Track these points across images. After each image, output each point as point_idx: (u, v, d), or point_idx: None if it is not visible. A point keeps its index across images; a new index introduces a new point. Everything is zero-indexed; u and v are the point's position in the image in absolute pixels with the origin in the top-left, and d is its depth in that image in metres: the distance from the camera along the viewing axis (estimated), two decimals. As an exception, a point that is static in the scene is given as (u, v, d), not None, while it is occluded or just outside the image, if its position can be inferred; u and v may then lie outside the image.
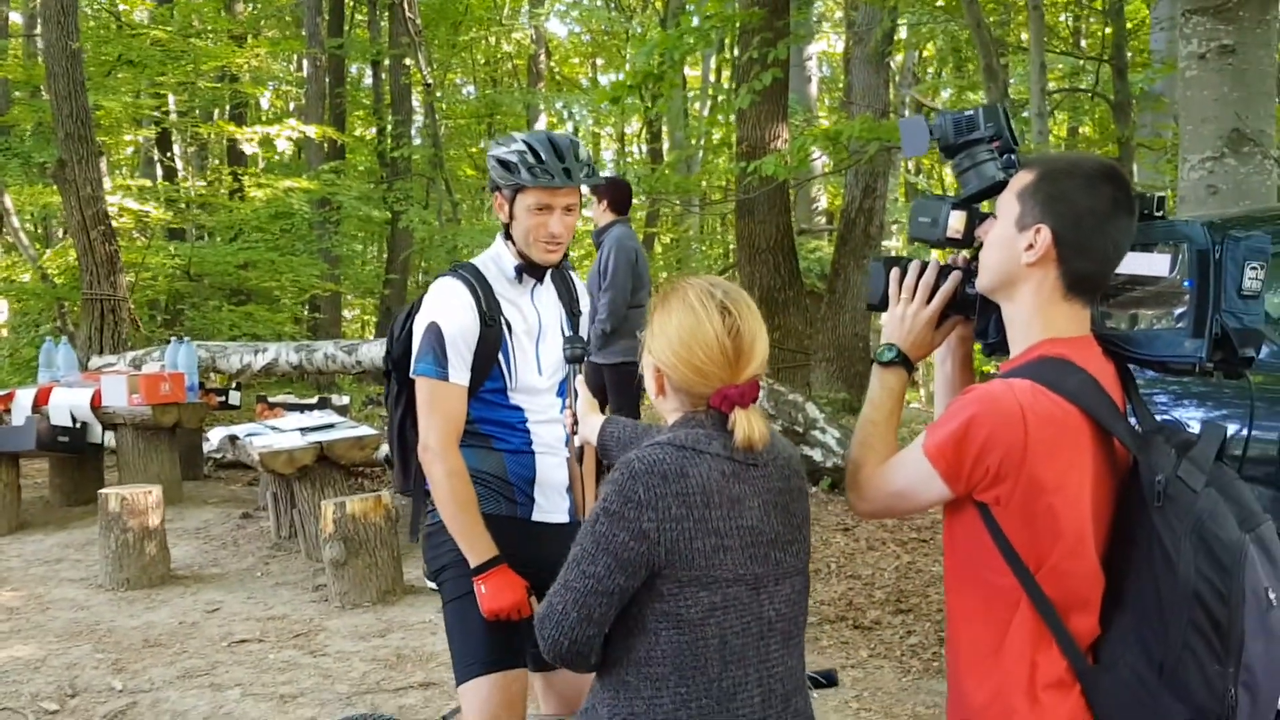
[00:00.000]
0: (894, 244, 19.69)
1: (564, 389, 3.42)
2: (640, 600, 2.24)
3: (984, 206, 2.51)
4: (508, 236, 3.28)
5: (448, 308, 3.17)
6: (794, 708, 2.37)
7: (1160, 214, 2.32)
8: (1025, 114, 10.06)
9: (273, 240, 18.54)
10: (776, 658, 2.33)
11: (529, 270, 3.28)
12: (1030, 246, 2.23)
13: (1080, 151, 7.68)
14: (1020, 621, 2.19)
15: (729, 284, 2.39)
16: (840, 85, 23.26)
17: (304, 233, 19.34)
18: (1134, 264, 2.30)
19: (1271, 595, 2.09)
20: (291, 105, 26.33)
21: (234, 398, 10.65)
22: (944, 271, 2.50)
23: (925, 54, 23.43)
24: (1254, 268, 2.29)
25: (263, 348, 11.61)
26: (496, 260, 3.30)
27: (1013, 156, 2.48)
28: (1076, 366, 2.20)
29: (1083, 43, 18.21)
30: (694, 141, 23.64)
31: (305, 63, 24.22)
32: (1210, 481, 2.11)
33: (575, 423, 3.08)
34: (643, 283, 7.88)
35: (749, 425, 2.28)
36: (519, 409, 3.29)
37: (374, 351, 10.94)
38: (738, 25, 10.27)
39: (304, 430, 8.04)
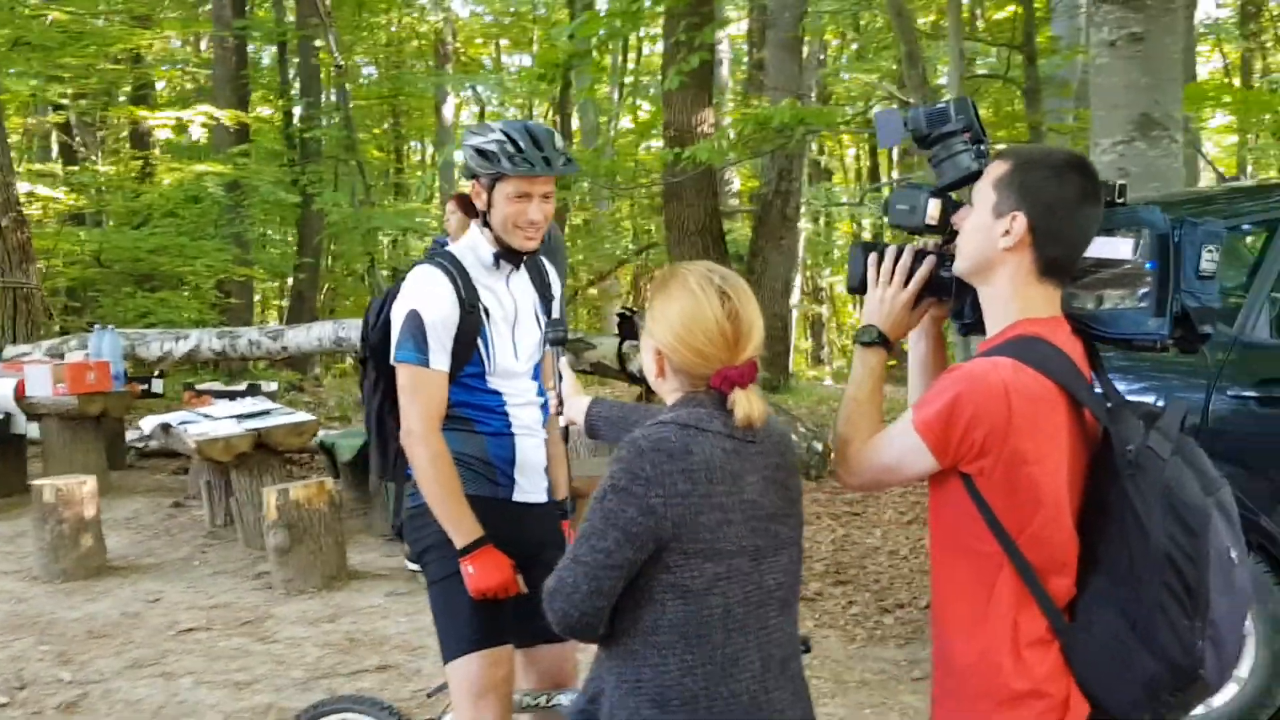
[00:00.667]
0: (806, 225, 19.94)
1: (538, 372, 3.52)
2: (647, 572, 2.33)
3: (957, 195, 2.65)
4: (484, 224, 3.35)
5: (428, 295, 3.23)
6: (790, 672, 2.48)
7: (1122, 201, 2.47)
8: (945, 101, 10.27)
9: (183, 225, 18.28)
10: (775, 625, 2.44)
11: (506, 257, 3.36)
12: (1007, 232, 2.36)
13: (1049, 145, 7.90)
14: (1003, 585, 2.32)
15: (726, 270, 2.50)
16: (744, 66, 23.43)
17: (215, 217, 19.10)
18: (1100, 248, 2.44)
19: (1233, 554, 2.25)
20: (189, 86, 25.89)
21: (157, 386, 10.59)
22: (919, 256, 2.63)
23: (829, 38, 23.72)
24: (1210, 250, 2.44)
25: (184, 335, 11.53)
26: (474, 248, 3.37)
27: (983, 147, 2.62)
28: (1051, 344, 2.34)
29: (978, 25, 18.61)
30: (603, 124, 23.70)
31: (206, 44, 23.93)
32: (1176, 450, 2.26)
33: (560, 403, 3.17)
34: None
35: (749, 404, 2.39)
36: (497, 392, 3.37)
37: (300, 338, 10.93)
38: (664, 9, 10.36)
39: (239, 417, 8.03)
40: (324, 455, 9.13)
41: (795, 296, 15.80)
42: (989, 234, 2.40)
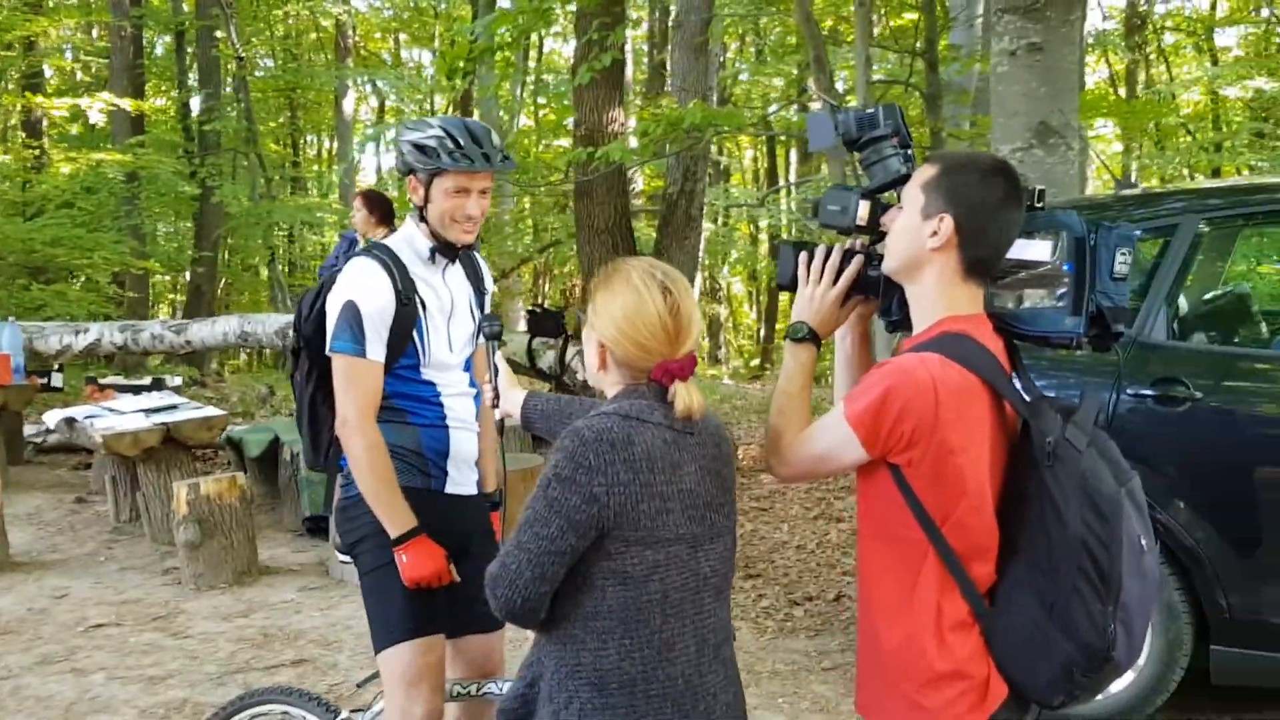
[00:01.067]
0: (706, 225, 20.10)
1: (469, 365, 3.58)
2: (588, 559, 2.40)
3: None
4: (421, 218, 3.40)
5: (365, 287, 3.27)
6: (722, 656, 2.57)
7: (1041, 205, 2.59)
8: (851, 104, 10.48)
9: (79, 216, 17.93)
10: (709, 610, 2.53)
11: (442, 250, 3.41)
12: (934, 233, 2.47)
13: (975, 150, 8.08)
14: (927, 571, 2.42)
15: (667, 266, 2.59)
16: (643, 66, 23.53)
17: (112, 208, 18.75)
18: (1020, 250, 2.57)
19: (1143, 542, 2.39)
20: (80, 74, 25.39)
21: (56, 380, 10.41)
22: (847, 255, 2.73)
23: (728, 40, 23.91)
24: (1124, 253, 2.58)
25: (84, 328, 11.35)
26: (410, 241, 3.42)
27: (910, 152, 2.73)
28: (976, 341, 2.45)
29: (874, 32, 18.91)
30: (507, 120, 23.66)
31: (98, 32, 23.45)
32: (1091, 442, 2.39)
33: (496, 396, 3.22)
34: None
35: (688, 396, 2.47)
36: (432, 384, 3.42)
37: (204, 332, 10.81)
38: (573, 7, 10.44)
39: (147, 411, 7.95)
40: (230, 450, 9.06)
41: (695, 296, 15.93)
42: (917, 235, 2.50)
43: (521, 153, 21.67)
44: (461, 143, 3.26)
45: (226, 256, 23.78)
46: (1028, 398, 2.50)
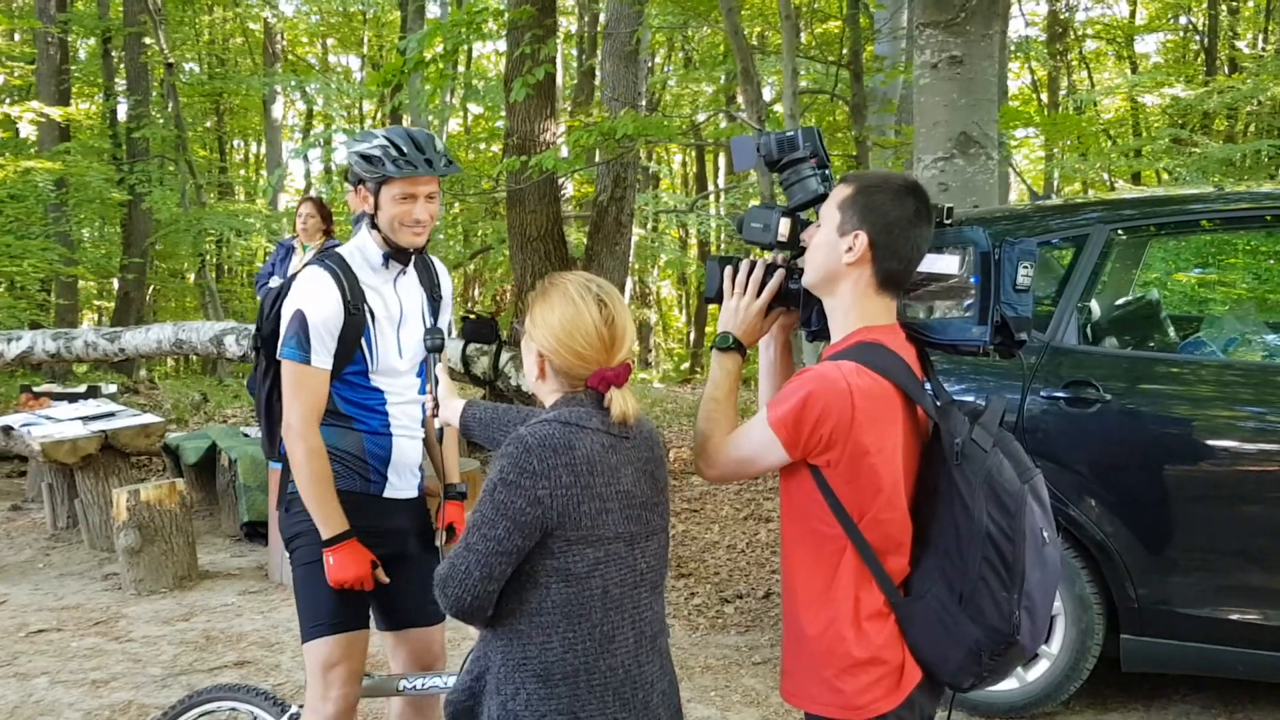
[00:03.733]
0: (635, 231, 20.23)
1: (424, 371, 3.72)
2: (533, 558, 2.55)
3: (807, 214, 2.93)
4: (373, 225, 3.53)
5: (313, 296, 3.40)
6: (658, 647, 2.74)
7: (949, 222, 2.78)
8: (777, 110, 10.71)
9: (5, 223, 17.77)
10: (646, 604, 2.69)
11: (395, 257, 3.54)
12: (850, 249, 2.65)
13: (887, 170, 8.25)
14: (845, 564, 2.60)
15: (602, 279, 2.76)
16: (572, 71, 23.61)
17: (40, 215, 18.59)
18: (930, 264, 2.75)
19: (1044, 534, 2.58)
20: (1, 79, 25.08)
21: (-10, 388, 10.37)
22: (769, 269, 2.91)
23: (653, 47, 24.07)
24: (1025, 266, 2.77)
25: (15, 336, 11.29)
26: (362, 249, 3.55)
27: (828, 171, 2.91)
28: (889, 349, 2.63)
29: (802, 39, 19.14)
30: (436, 127, 23.66)
31: (19, 37, 23.16)
32: (996, 442, 2.59)
33: (436, 406, 3.37)
34: None
35: (624, 402, 2.63)
36: (379, 390, 3.55)
37: (138, 339, 10.81)
38: (506, 19, 10.54)
39: (85, 419, 7.99)
40: (167, 457, 9.09)
41: (628, 307, 16.02)
42: (834, 250, 2.67)
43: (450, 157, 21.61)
44: (405, 150, 3.40)
45: (154, 263, 23.60)
46: (938, 401, 2.67)
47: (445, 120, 24.25)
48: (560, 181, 16.08)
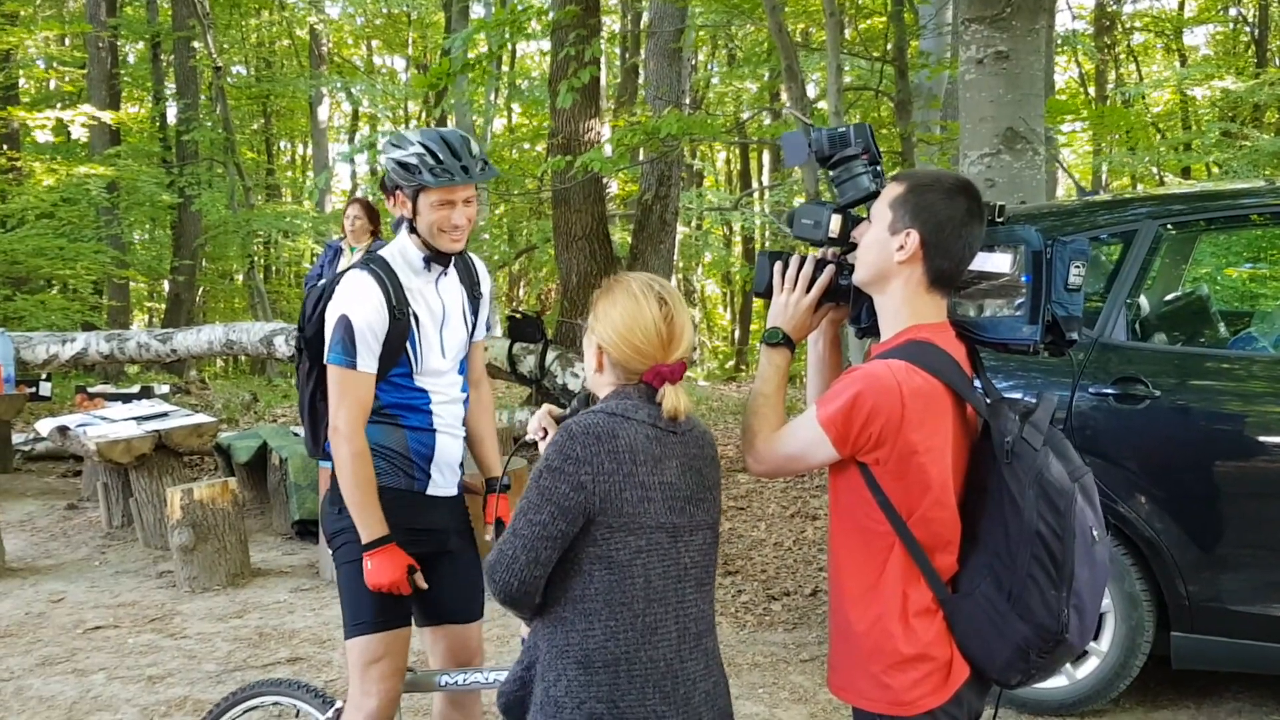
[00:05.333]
0: (680, 229, 20.22)
1: (464, 367, 3.76)
2: (576, 545, 2.59)
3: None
4: (412, 229, 3.56)
5: (359, 302, 3.43)
6: (704, 647, 2.76)
7: (1002, 220, 2.79)
8: (821, 107, 10.70)
9: (60, 227, 18.00)
10: (691, 600, 2.71)
11: (435, 259, 3.58)
12: (901, 247, 2.66)
13: (939, 169, 8.22)
14: (894, 561, 2.62)
15: (664, 280, 2.79)
16: (615, 70, 23.62)
17: (93, 218, 18.83)
18: (982, 262, 2.76)
19: (1094, 533, 2.58)
20: (54, 85, 25.37)
21: (45, 389, 10.53)
22: (819, 265, 2.92)
23: (696, 45, 24.05)
24: (1077, 266, 2.78)
25: (70, 337, 11.46)
26: (403, 252, 3.57)
27: (879, 168, 2.92)
28: (939, 348, 2.64)
29: (846, 35, 19.09)
30: (481, 127, 23.77)
31: (70, 42, 23.43)
32: (1046, 441, 2.59)
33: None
34: None
35: (676, 398, 2.67)
36: (424, 390, 3.59)
37: (190, 340, 10.94)
38: (550, 20, 10.60)
39: (139, 419, 8.10)
40: (219, 456, 9.20)
41: (688, 311, 16.02)
42: (885, 248, 2.69)
43: (496, 158, 21.78)
44: (441, 158, 3.42)
45: (204, 264, 23.84)
46: (988, 400, 2.68)
47: (490, 120, 24.37)
48: (605, 181, 16.15)
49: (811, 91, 17.24)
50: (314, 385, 3.70)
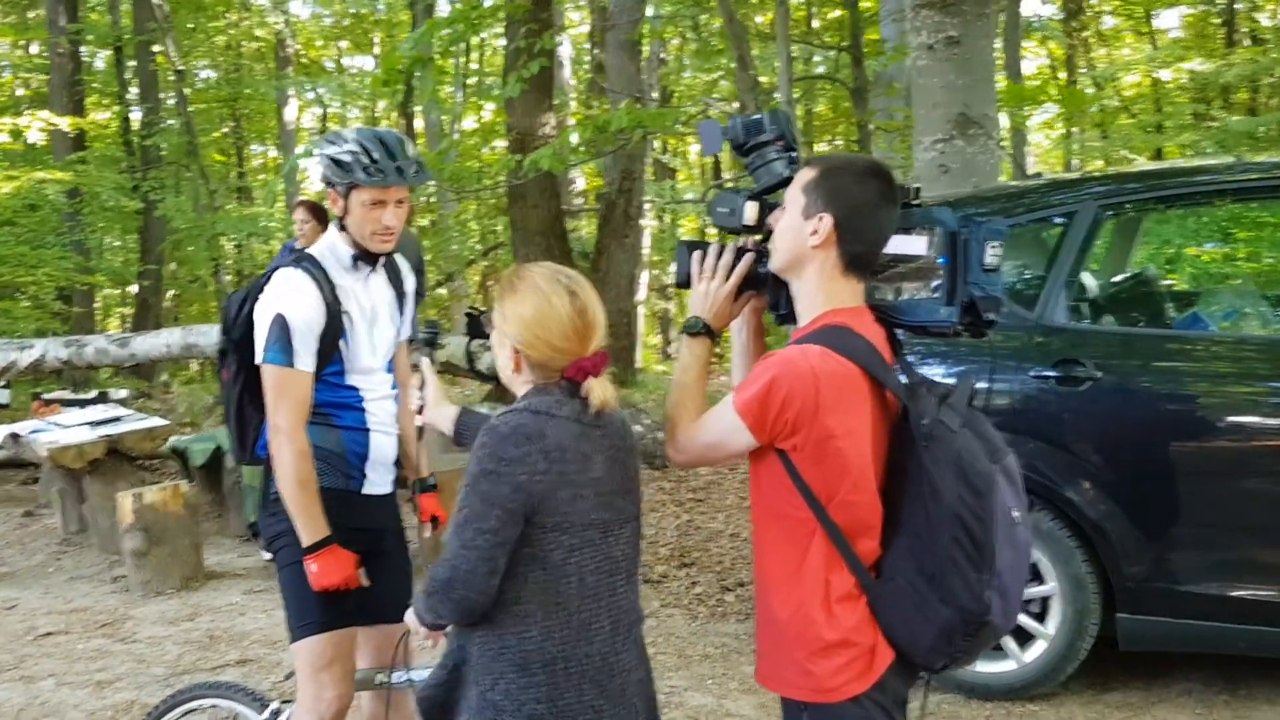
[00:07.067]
0: (651, 223, 20.21)
1: (391, 366, 3.72)
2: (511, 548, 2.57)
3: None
4: (342, 228, 3.53)
5: (294, 300, 3.39)
6: (634, 637, 2.75)
7: (917, 202, 2.78)
8: (775, 97, 10.66)
9: (21, 234, 17.87)
10: (622, 593, 2.70)
11: (363, 258, 3.54)
12: (815, 232, 2.63)
13: (851, 153, 8.22)
14: (815, 547, 2.60)
15: (569, 269, 2.76)
16: (585, 65, 23.57)
17: (54, 225, 18.69)
18: (898, 245, 2.75)
19: (1015, 514, 2.56)
20: (20, 91, 25.21)
21: (3, 396, 10.46)
22: (739, 253, 2.90)
23: (667, 36, 23.98)
24: (994, 246, 2.76)
25: (28, 344, 11.36)
26: (333, 249, 3.53)
27: (794, 154, 2.90)
28: (855, 332, 2.62)
29: (814, 25, 19.11)
30: (447, 127, 23.70)
31: (38, 48, 23.27)
32: (965, 423, 2.57)
33: (421, 405, 3.36)
34: None
35: (603, 390, 2.65)
36: (355, 389, 3.56)
37: (148, 344, 10.87)
38: (503, 14, 10.54)
39: (92, 424, 8.05)
40: (176, 460, 9.14)
41: (642, 293, 16.07)
42: (799, 233, 2.67)
43: (466, 156, 21.71)
44: (376, 157, 3.38)
45: (174, 269, 23.70)
46: (906, 383, 2.67)
47: (458, 118, 24.29)
48: (571, 175, 16.06)
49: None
50: (241, 387, 3.65)
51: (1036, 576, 4.93)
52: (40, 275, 17.08)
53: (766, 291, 2.90)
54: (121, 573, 7.33)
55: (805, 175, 2.70)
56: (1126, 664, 5.20)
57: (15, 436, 8.24)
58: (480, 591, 2.53)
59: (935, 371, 5.07)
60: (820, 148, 20.03)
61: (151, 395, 15.03)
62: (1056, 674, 4.96)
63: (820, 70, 15.93)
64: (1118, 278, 6.13)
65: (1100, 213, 5.12)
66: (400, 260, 3.81)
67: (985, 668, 5.02)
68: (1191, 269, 10.10)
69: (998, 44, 18.22)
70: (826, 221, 2.62)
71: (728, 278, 2.86)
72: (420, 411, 3.37)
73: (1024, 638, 4.99)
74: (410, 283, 3.83)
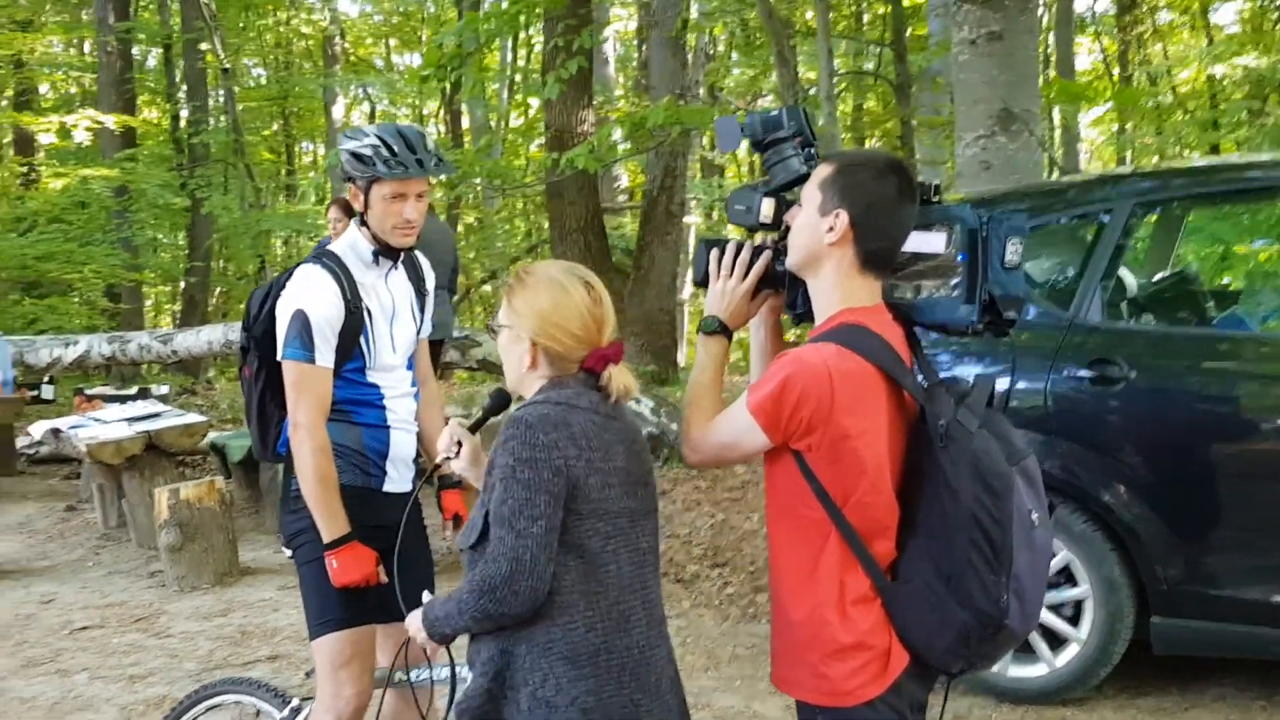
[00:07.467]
0: (694, 220, 20.14)
1: (411, 363, 3.72)
2: None
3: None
4: (363, 223, 3.53)
5: (314, 295, 3.40)
6: (663, 633, 2.73)
7: (937, 199, 2.74)
8: (813, 91, 10.62)
9: (70, 231, 18.08)
10: (651, 585, 2.68)
11: (384, 254, 3.54)
12: (831, 229, 2.60)
13: (871, 149, 8.17)
14: (830, 549, 2.57)
15: (578, 265, 2.75)
16: (634, 62, 23.55)
17: (103, 222, 18.91)
18: (916, 242, 2.71)
19: (1034, 516, 2.53)
20: (74, 90, 25.52)
21: (47, 392, 10.56)
22: (756, 251, 2.87)
23: (715, 32, 23.89)
24: (1014, 243, 2.72)
25: (73, 340, 11.52)
26: (354, 246, 3.54)
27: (812, 150, 2.86)
28: (872, 331, 2.59)
29: (864, 19, 18.98)
30: (493, 123, 23.76)
31: (88, 47, 23.56)
32: (983, 424, 2.53)
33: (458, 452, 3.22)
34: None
35: (623, 377, 2.65)
36: (376, 386, 3.55)
37: (190, 341, 10.98)
38: (541, 11, 10.52)
39: (130, 420, 8.11)
40: (215, 456, 9.21)
41: (687, 291, 16.00)
42: (815, 231, 2.63)
43: (511, 153, 21.75)
44: (396, 150, 3.38)
45: (222, 265, 23.92)
46: (924, 383, 2.63)
47: (505, 115, 24.34)
48: (615, 172, 16.04)
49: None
50: (263, 384, 3.66)
51: (1069, 579, 4.87)
52: (87, 272, 17.26)
53: (784, 290, 2.87)
54: (158, 568, 7.38)
55: (822, 171, 2.68)
56: (1161, 668, 5.12)
57: (56, 432, 8.34)
58: (543, 579, 2.48)
59: (967, 371, 5.02)
60: (874, 143, 19.92)
61: (195, 391, 15.16)
62: (1089, 678, 4.89)
63: (868, 66, 15.86)
64: (1158, 276, 6.04)
65: (1137, 210, 5.05)
66: (421, 258, 3.81)
67: (1017, 671, 4.96)
68: (1242, 268, 9.93)
69: (1050, 40, 18.11)
70: (842, 218, 2.59)
71: (745, 276, 2.83)
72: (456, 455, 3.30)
73: (1056, 641, 4.92)
74: (430, 281, 3.83)
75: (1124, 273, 5.53)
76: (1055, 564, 4.86)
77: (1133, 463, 4.82)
